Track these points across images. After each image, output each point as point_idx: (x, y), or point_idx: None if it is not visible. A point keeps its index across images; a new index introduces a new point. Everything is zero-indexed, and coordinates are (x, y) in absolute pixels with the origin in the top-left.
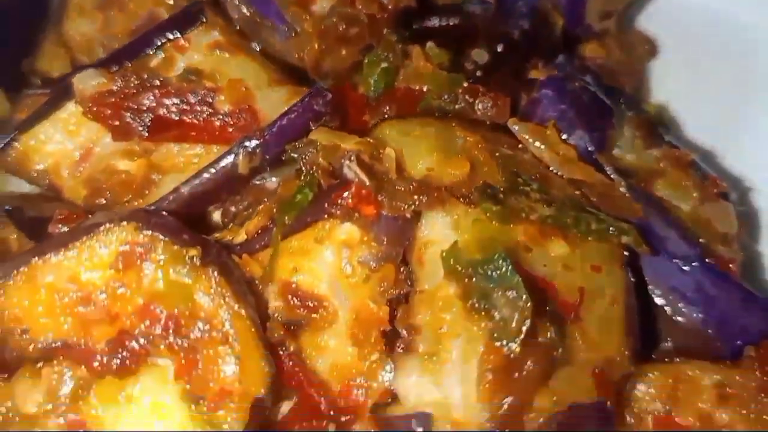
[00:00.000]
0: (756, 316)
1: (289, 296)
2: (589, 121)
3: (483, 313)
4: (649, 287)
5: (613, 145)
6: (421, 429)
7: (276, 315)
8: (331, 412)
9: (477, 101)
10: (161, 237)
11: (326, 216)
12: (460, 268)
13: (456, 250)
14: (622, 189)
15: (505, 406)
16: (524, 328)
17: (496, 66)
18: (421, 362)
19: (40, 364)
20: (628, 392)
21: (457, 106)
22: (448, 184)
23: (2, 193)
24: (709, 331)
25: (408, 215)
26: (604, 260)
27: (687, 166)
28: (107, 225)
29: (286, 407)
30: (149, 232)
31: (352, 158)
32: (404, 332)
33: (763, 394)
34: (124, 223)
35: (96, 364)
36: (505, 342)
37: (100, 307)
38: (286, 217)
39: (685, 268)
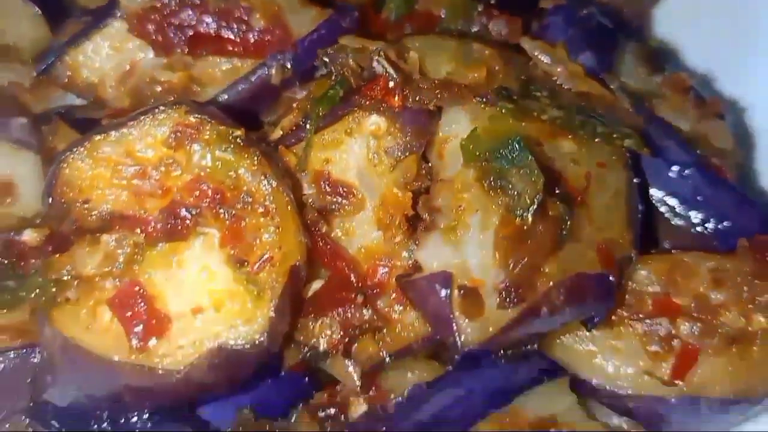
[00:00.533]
0: (751, 217)
1: (322, 184)
2: (595, 44)
3: (499, 190)
4: (650, 191)
5: (617, 70)
6: (443, 289)
7: (310, 201)
8: (360, 284)
9: (491, 23)
10: (209, 119)
11: (356, 108)
12: (478, 153)
13: (475, 136)
14: (625, 105)
15: (519, 267)
16: (537, 200)
17: None
18: (442, 235)
19: (98, 235)
20: (629, 275)
21: (473, 29)
22: (467, 84)
23: (52, 108)
24: (707, 230)
25: (431, 108)
26: (609, 159)
27: (686, 90)
28: (161, 107)
29: (317, 284)
30: (198, 116)
31: (381, 53)
32: (426, 216)
33: (756, 279)
34: (176, 106)
35: (150, 229)
36: (519, 212)
37: (154, 181)
38: (320, 109)
39: (685, 172)
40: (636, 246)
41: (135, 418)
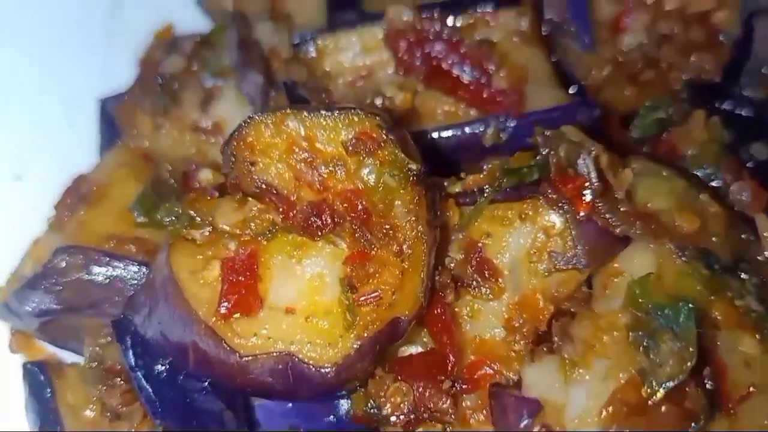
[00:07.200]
0: None
1: (471, 255)
2: None
3: (641, 349)
4: None
5: None
6: (526, 417)
7: (451, 265)
8: (455, 370)
9: (736, 184)
10: (394, 142)
11: (540, 197)
12: (641, 301)
13: (648, 282)
14: None
15: None
16: (676, 381)
17: None
18: (559, 363)
19: (247, 198)
20: None
21: (713, 183)
22: (671, 229)
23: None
24: None
25: (618, 233)
26: None
27: None
28: (358, 110)
29: (414, 349)
30: (387, 134)
31: (592, 154)
32: (556, 338)
33: None
34: (371, 116)
35: (292, 215)
36: (651, 382)
37: (317, 174)
38: (506, 181)
39: None
40: None
41: (191, 380)
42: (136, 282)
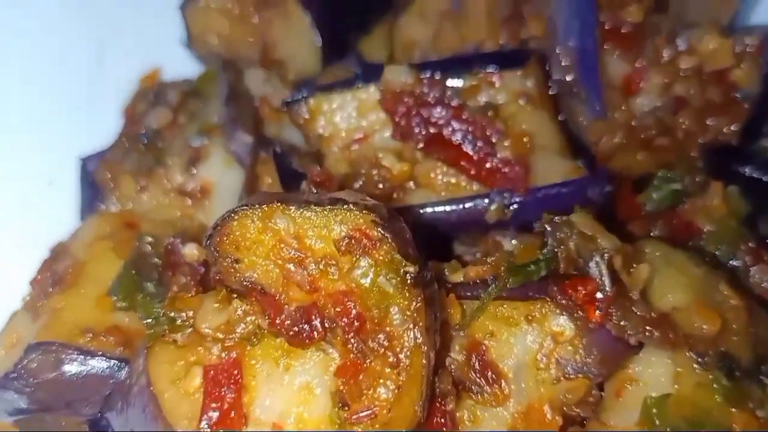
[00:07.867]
0: None
1: (473, 357)
2: None
3: None
4: None
5: None
6: None
7: (452, 367)
8: None
9: (756, 267)
10: (390, 240)
11: (549, 299)
12: (658, 423)
13: (665, 403)
14: None
15: None
16: None
17: None
18: None
19: (234, 295)
20: None
21: (732, 263)
22: (689, 333)
23: (277, 137)
24: None
25: (632, 342)
26: None
27: None
28: (351, 206)
29: None
30: (382, 232)
31: (605, 257)
32: None
33: None
34: (366, 212)
35: (278, 321)
36: None
37: (307, 275)
38: (511, 279)
39: None
40: None
41: None
42: (113, 380)
